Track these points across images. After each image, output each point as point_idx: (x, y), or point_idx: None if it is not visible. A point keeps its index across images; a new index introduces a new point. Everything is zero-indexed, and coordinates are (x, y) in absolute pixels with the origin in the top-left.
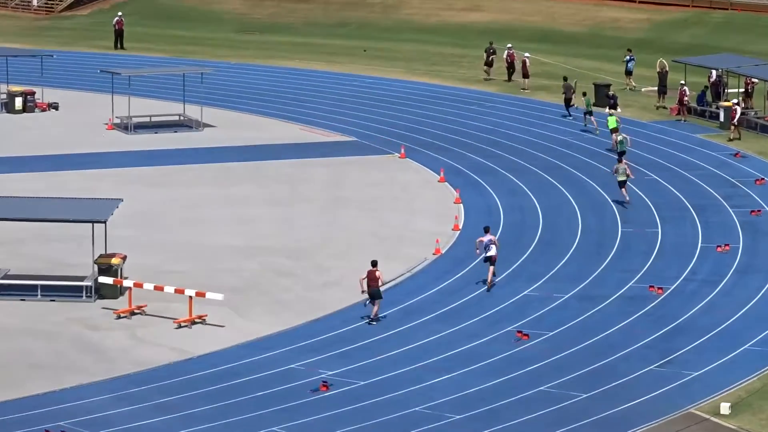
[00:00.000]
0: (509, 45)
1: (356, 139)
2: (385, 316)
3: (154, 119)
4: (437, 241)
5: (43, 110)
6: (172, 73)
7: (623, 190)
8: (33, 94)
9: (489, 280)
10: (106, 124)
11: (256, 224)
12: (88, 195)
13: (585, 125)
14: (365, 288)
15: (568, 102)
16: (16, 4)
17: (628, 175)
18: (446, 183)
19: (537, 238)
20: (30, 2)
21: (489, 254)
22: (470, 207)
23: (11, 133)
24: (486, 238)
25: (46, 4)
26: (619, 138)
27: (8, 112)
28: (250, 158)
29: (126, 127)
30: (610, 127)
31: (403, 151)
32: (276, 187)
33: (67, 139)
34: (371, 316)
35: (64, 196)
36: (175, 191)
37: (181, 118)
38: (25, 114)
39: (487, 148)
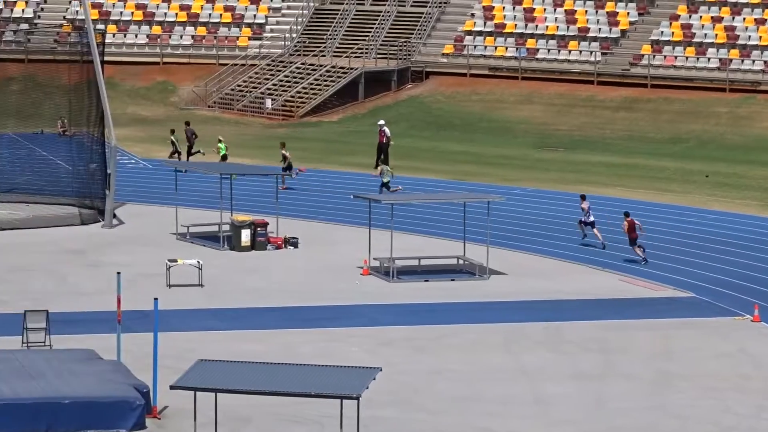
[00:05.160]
0: None
1: (693, 294)
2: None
3: (423, 263)
4: None
5: (278, 247)
6: (449, 202)
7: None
8: (265, 225)
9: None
10: (361, 267)
11: (556, 405)
12: (329, 362)
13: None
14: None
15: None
16: (244, 106)
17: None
18: None
19: None
20: (263, 104)
21: (591, 219)
22: None
23: (234, 277)
24: (586, 205)
25: (283, 106)
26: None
27: (232, 248)
28: (548, 317)
29: (387, 272)
30: (221, 154)
31: (757, 312)
32: (583, 356)
33: (308, 286)
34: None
35: (300, 363)
36: (449, 359)
37: (461, 262)
38: (253, 252)
39: None
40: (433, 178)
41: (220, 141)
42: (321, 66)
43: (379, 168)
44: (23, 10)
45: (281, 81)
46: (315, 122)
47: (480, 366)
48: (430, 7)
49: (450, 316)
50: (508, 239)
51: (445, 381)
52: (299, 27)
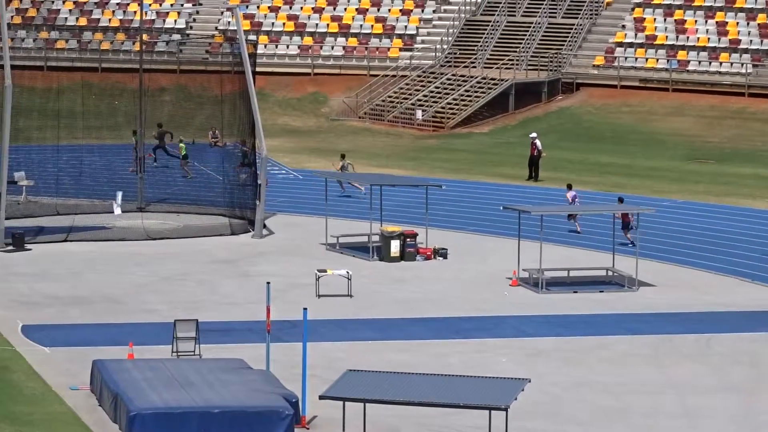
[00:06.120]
0: None
1: None
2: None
3: (572, 274)
4: None
5: (428, 258)
6: (596, 213)
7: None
8: (414, 236)
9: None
10: (510, 278)
11: (705, 418)
12: (477, 372)
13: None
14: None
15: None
16: (395, 117)
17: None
18: None
19: None
20: (413, 115)
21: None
22: None
23: (382, 288)
24: (571, 194)
25: (433, 117)
26: (182, 144)
27: (382, 259)
28: (698, 329)
29: (536, 283)
30: (182, 154)
31: None
32: (733, 368)
33: (457, 297)
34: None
35: (449, 374)
36: (597, 370)
37: (610, 273)
38: (403, 263)
39: None
40: (582, 190)
41: (180, 141)
42: (471, 77)
43: (340, 162)
44: (176, 21)
45: (432, 92)
46: (465, 133)
47: (629, 378)
48: (581, 18)
49: (599, 327)
50: (658, 251)
51: (593, 393)
52: (450, 38)
